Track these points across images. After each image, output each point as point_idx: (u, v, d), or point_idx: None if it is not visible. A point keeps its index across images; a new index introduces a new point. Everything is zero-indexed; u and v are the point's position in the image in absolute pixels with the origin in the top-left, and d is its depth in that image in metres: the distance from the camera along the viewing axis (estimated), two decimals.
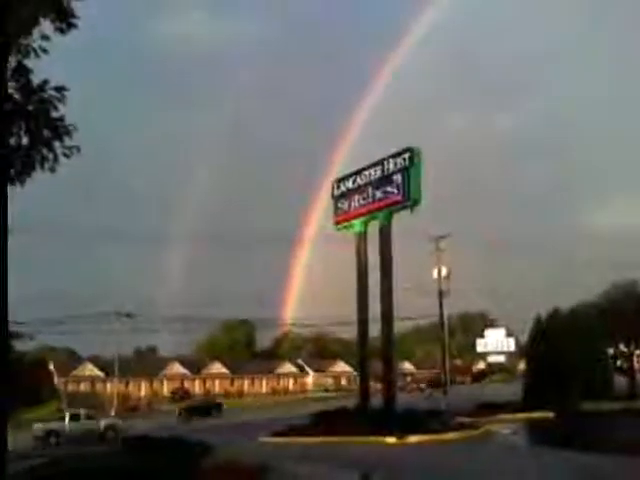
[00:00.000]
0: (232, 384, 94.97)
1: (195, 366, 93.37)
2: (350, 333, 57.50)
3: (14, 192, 8.46)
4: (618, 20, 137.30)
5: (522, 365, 62.79)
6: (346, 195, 33.51)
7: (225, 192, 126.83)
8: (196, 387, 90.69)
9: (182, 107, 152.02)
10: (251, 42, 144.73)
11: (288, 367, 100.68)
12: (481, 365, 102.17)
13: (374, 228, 32.43)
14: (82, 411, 39.41)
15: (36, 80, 8.52)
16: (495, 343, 65.90)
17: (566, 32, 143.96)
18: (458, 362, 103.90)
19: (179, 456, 16.56)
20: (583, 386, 37.25)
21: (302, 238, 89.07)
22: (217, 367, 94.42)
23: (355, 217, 33.03)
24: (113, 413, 58.41)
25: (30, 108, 8.53)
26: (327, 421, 28.93)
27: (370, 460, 20.94)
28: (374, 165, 32.00)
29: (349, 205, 33.31)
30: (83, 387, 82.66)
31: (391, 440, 24.89)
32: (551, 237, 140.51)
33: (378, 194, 31.49)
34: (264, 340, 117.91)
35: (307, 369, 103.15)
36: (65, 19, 8.44)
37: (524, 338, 51.13)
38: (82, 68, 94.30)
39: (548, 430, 30.00)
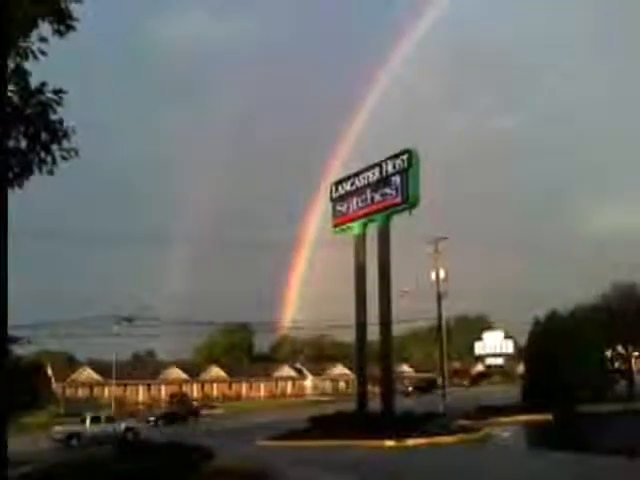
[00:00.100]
0: (230, 388, 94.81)
1: (193, 370, 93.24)
2: (349, 336, 57.50)
3: (13, 194, 8.43)
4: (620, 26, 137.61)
5: (521, 367, 62.76)
6: (344, 197, 33.53)
7: (224, 195, 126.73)
8: (194, 391, 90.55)
9: (182, 107, 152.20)
10: (251, 42, 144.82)
11: (286, 371, 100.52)
12: (480, 367, 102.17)
13: (372, 230, 32.48)
14: (102, 414, 40.22)
15: (34, 82, 8.52)
16: (493, 345, 66.18)
17: (566, 32, 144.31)
18: (457, 365, 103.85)
19: (175, 460, 16.51)
20: (581, 388, 37.30)
21: (301, 241, 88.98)
22: (215, 371, 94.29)
23: (354, 219, 33.05)
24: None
25: (28, 111, 8.52)
26: (325, 425, 28.89)
27: (368, 464, 20.91)
28: (372, 167, 32.04)
29: (347, 207, 33.32)
30: (81, 391, 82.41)
31: (389, 443, 24.87)
32: (550, 239, 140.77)
33: (376, 196, 31.52)
34: (262, 344, 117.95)
35: (305, 372, 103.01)
36: (63, 21, 8.44)
37: (522, 340, 51.12)
38: (81, 68, 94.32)
39: (547, 432, 30.05)
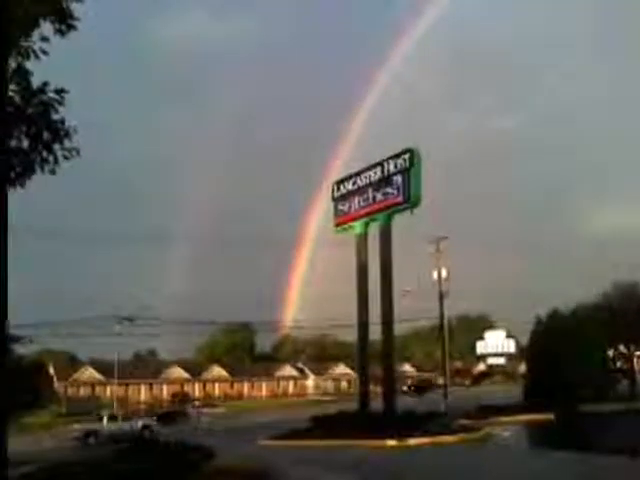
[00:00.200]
0: (232, 387, 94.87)
1: (195, 370, 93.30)
2: (351, 335, 57.44)
3: (14, 193, 8.44)
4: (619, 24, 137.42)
5: (522, 367, 62.72)
6: (346, 197, 33.51)
7: (225, 194, 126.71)
8: (196, 390, 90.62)
9: (183, 107, 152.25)
10: (251, 42, 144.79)
11: (288, 370, 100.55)
12: (481, 367, 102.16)
13: (374, 230, 32.46)
14: (120, 412, 41.27)
15: (36, 82, 8.52)
16: (495, 345, 66.13)
17: (566, 32, 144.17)
18: (458, 364, 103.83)
19: (176, 460, 16.51)
20: (583, 387, 37.28)
21: (302, 240, 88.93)
22: (217, 370, 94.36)
23: (355, 219, 33.04)
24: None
25: (30, 111, 8.52)
26: (327, 424, 28.89)
27: (369, 463, 20.91)
28: (374, 166, 32.02)
29: (349, 207, 33.31)
30: (83, 391, 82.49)
31: (391, 443, 24.86)
32: (551, 238, 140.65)
33: (378, 195, 31.51)
34: (264, 343, 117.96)
35: (307, 372, 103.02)
36: (64, 21, 8.44)
37: (524, 340, 51.09)
38: (82, 68, 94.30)
39: (548, 432, 30.03)
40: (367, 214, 32.35)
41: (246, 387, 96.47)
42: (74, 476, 14.51)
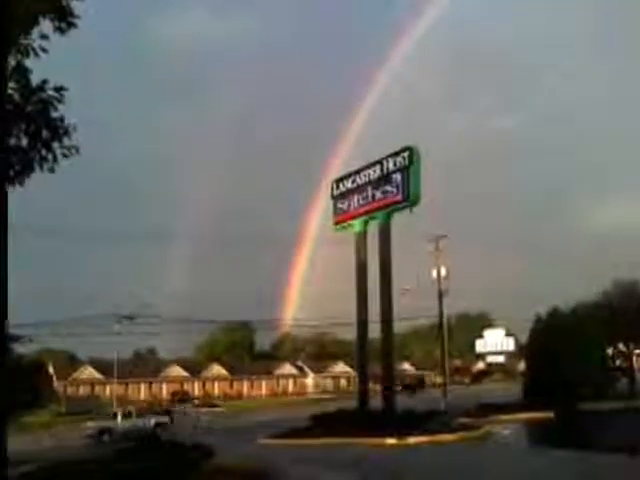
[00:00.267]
0: (231, 386, 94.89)
1: (195, 368, 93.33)
2: (350, 334, 57.44)
3: (13, 192, 8.42)
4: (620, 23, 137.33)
5: (522, 365, 62.72)
6: (345, 195, 33.50)
7: (225, 193, 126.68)
8: (195, 389, 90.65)
9: (183, 105, 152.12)
10: (252, 40, 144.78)
11: (288, 369, 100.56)
12: (481, 365, 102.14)
13: (373, 228, 32.45)
14: (133, 409, 41.54)
15: (35, 80, 8.50)
16: (495, 343, 65.91)
17: (566, 32, 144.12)
18: (458, 362, 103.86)
19: (176, 459, 16.50)
20: (583, 386, 37.28)
21: (302, 239, 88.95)
22: (217, 369, 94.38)
23: (354, 217, 33.02)
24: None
25: (29, 109, 8.50)
26: (327, 423, 28.89)
27: (369, 462, 20.91)
28: (373, 165, 32.00)
29: (348, 205, 33.30)
30: (82, 390, 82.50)
31: (391, 441, 24.86)
32: (550, 237, 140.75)
33: (377, 194, 31.49)
34: (264, 342, 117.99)
35: (307, 370, 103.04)
36: (65, 18, 8.42)
37: (524, 338, 51.07)
38: (82, 66, 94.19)
39: (548, 430, 30.03)
40: (366, 212, 32.33)
41: (246, 386, 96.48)
42: (74, 475, 14.51)
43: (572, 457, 19.29)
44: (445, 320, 48.06)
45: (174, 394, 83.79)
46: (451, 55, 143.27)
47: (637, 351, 54.31)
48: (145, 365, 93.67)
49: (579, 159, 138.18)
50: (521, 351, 57.34)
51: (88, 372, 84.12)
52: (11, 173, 8.45)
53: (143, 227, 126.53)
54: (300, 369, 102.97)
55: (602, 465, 17.49)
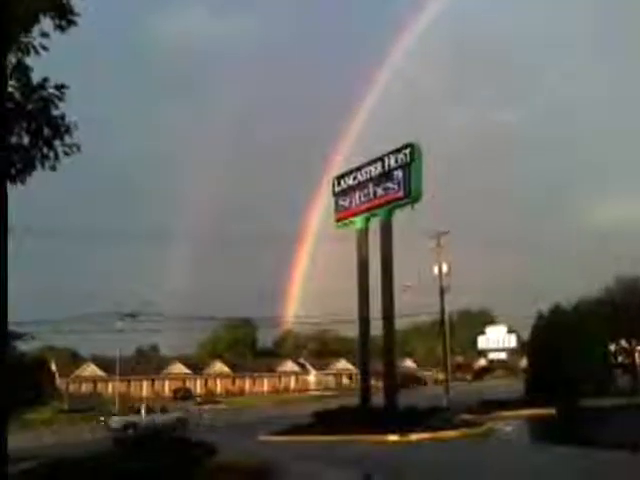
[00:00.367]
0: (234, 383, 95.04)
1: (197, 365, 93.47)
2: (352, 331, 57.37)
3: (14, 190, 8.41)
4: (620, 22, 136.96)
5: (524, 362, 62.72)
6: (347, 192, 33.46)
7: (226, 191, 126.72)
8: (198, 386, 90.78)
9: (182, 103, 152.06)
10: (251, 40, 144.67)
11: (290, 366, 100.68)
12: (482, 362, 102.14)
13: (375, 225, 32.42)
14: (157, 406, 44.25)
15: (36, 78, 8.49)
16: (496, 340, 65.91)
17: (567, 29, 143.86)
18: (460, 359, 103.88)
19: (178, 456, 16.51)
20: (585, 382, 37.26)
21: (303, 236, 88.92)
22: (219, 366, 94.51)
23: (356, 214, 32.99)
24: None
25: (30, 107, 8.49)
26: (329, 420, 28.89)
27: (371, 459, 20.92)
28: (374, 161, 31.95)
29: (350, 202, 33.26)
30: (85, 387, 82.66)
31: (393, 438, 24.86)
32: (552, 233, 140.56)
33: (379, 190, 31.45)
34: (266, 339, 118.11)
35: (309, 367, 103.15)
36: (65, 16, 8.41)
37: (526, 335, 51.03)
38: (83, 63, 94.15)
39: (550, 426, 30.05)
40: (368, 209, 32.29)
41: (248, 383, 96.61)
42: (75, 472, 14.51)
43: (574, 453, 19.30)
44: (447, 317, 48.02)
45: (176, 391, 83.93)
46: (452, 50, 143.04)
47: (639, 347, 54.25)
48: (147, 362, 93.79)
49: (580, 155, 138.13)
50: (523, 348, 57.38)
51: (90, 369, 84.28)
52: (12, 171, 8.46)
53: (144, 225, 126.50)
54: (302, 366, 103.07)
55: (604, 461, 17.48)
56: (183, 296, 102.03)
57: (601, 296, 52.02)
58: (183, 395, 79.41)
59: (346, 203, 33.54)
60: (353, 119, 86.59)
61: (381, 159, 31.51)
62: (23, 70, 8.41)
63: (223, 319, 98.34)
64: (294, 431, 28.98)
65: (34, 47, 8.34)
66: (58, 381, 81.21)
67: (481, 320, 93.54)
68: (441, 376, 63.32)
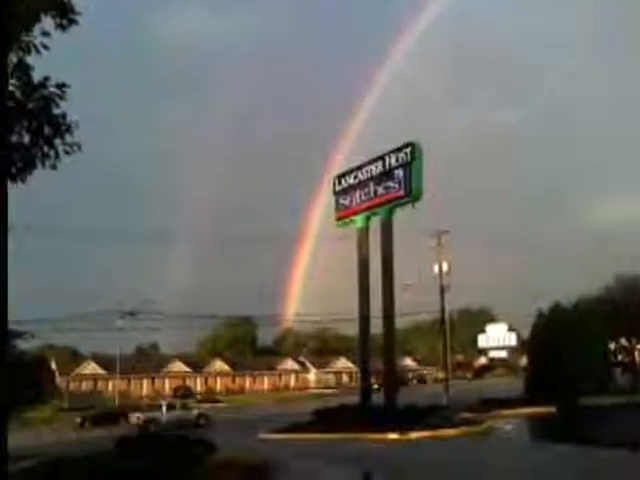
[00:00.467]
0: (234, 381, 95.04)
1: (197, 364, 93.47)
2: (352, 329, 57.41)
3: (15, 189, 8.42)
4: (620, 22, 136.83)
5: (524, 360, 62.74)
6: (347, 191, 33.47)
7: (226, 190, 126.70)
8: (198, 384, 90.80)
9: (183, 102, 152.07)
10: (251, 38, 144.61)
11: (290, 364, 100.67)
12: (483, 360, 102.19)
13: (375, 223, 32.43)
14: (177, 401, 45.21)
15: (37, 77, 8.50)
16: (497, 338, 66.00)
17: (567, 29, 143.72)
18: (460, 357, 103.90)
19: (178, 454, 16.54)
20: (584, 380, 37.30)
21: (303, 235, 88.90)
22: (219, 364, 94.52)
23: (356, 213, 32.99)
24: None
25: (31, 105, 8.50)
26: (329, 418, 28.93)
27: (371, 457, 20.94)
28: (375, 160, 31.95)
29: (350, 201, 33.27)
30: (85, 385, 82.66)
31: (393, 436, 24.88)
32: (552, 232, 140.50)
33: (379, 189, 31.46)
34: (266, 337, 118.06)
35: (309, 366, 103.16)
36: (66, 15, 8.42)
37: (526, 333, 51.08)
38: (84, 62, 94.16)
39: (550, 425, 30.08)
40: (368, 208, 32.30)
41: (248, 381, 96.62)
42: (75, 471, 14.52)
43: (574, 452, 19.33)
44: (447, 315, 48.07)
45: (176, 390, 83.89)
46: (452, 51, 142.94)
47: (639, 346, 54.28)
48: (147, 361, 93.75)
49: (580, 155, 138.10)
50: (523, 346, 57.46)
51: (91, 367, 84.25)
52: (13, 170, 8.46)
53: (145, 224, 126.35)
54: (302, 364, 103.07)
55: (604, 460, 17.51)
56: (184, 294, 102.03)
57: (601, 295, 52.07)
58: (183, 393, 79.28)
59: (347, 202, 33.54)
60: (353, 118, 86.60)
61: (382, 158, 31.52)
62: (24, 69, 8.41)
63: (223, 317, 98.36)
64: (294, 429, 29.01)
65: (35, 46, 8.34)
66: (58, 379, 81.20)
67: (481, 319, 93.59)
68: (441, 374, 63.38)
